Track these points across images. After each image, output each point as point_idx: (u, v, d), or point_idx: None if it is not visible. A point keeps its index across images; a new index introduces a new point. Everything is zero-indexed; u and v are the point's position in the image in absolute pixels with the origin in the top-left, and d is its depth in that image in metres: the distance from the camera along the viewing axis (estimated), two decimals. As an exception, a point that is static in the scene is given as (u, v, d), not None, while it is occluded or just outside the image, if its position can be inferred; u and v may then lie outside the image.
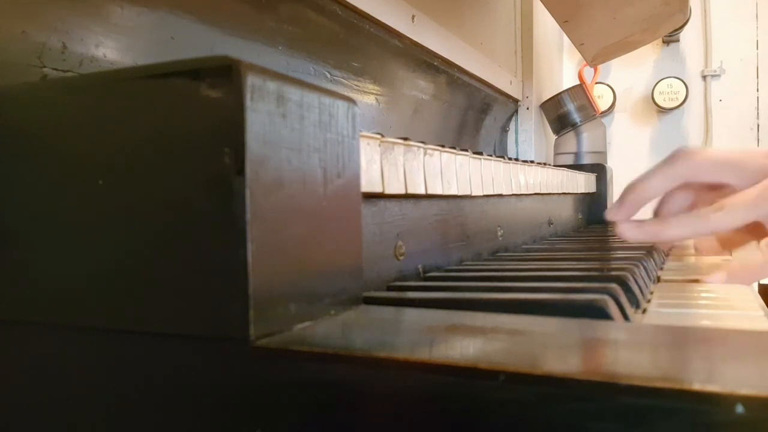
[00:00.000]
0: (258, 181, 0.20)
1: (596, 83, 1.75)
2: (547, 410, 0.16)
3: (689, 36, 1.73)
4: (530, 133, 1.30)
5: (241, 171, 0.20)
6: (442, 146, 0.43)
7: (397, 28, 0.72)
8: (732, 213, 0.45)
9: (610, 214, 0.50)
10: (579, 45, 1.16)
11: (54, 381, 0.24)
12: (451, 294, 0.32)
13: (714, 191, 0.48)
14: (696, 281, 0.45)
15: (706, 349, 0.20)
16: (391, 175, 0.36)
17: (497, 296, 0.29)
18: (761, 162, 0.46)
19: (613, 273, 0.36)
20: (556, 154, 1.40)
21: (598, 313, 0.26)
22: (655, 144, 1.77)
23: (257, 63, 0.20)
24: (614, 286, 0.30)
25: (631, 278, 0.35)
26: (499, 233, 0.59)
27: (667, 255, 0.62)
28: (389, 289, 0.37)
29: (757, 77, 1.68)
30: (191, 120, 0.20)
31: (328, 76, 0.65)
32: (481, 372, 0.17)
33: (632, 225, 0.47)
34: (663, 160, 0.49)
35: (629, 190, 0.49)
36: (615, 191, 1.22)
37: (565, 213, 0.89)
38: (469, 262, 0.50)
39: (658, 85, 1.72)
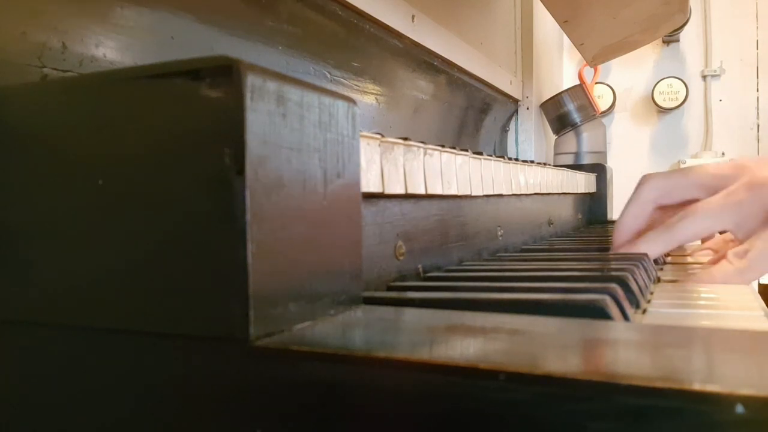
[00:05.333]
0: (258, 181, 0.20)
1: (596, 83, 1.75)
2: (547, 410, 0.16)
3: (689, 36, 1.73)
4: (530, 133, 1.30)
5: (241, 171, 0.20)
6: (442, 146, 0.43)
7: (397, 28, 0.72)
8: (695, 221, 0.46)
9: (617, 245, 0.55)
10: (579, 45, 1.16)
11: (54, 381, 0.24)
12: (451, 294, 0.32)
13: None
14: (676, 281, 0.46)
15: (706, 349, 0.20)
16: (391, 175, 0.36)
17: (497, 296, 0.29)
18: (721, 173, 0.48)
19: (613, 273, 0.36)
20: (556, 154, 1.40)
21: (598, 313, 0.26)
22: (655, 144, 1.77)
23: (257, 63, 0.20)
24: (614, 286, 0.30)
25: (631, 278, 0.35)
26: (499, 233, 0.59)
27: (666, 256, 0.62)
28: (389, 289, 0.37)
29: (757, 77, 1.68)
30: (191, 120, 0.20)
31: (328, 76, 0.65)
32: (481, 372, 0.17)
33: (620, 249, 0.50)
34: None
35: (615, 230, 0.54)
36: (615, 191, 1.22)
37: (565, 213, 0.89)
38: (469, 262, 0.50)
39: (658, 85, 1.72)
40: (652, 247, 0.48)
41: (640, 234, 0.53)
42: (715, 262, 0.52)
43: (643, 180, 0.53)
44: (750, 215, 0.45)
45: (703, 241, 0.62)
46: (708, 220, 0.46)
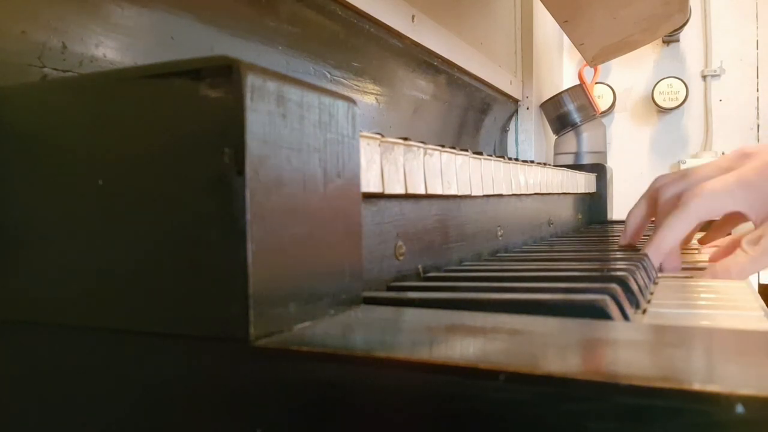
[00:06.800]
0: (258, 181, 0.20)
1: (596, 83, 1.75)
2: (547, 410, 0.16)
3: (689, 36, 1.73)
4: (530, 133, 1.30)
5: (241, 171, 0.20)
6: (442, 146, 0.43)
7: (397, 28, 0.72)
8: (708, 197, 0.46)
9: (621, 243, 0.59)
10: (579, 45, 1.16)
11: (54, 381, 0.24)
12: (451, 294, 0.32)
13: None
14: (690, 277, 0.46)
15: (706, 349, 0.20)
16: (391, 175, 0.36)
17: (497, 296, 0.29)
18: (729, 164, 0.49)
19: (613, 273, 0.36)
20: (556, 154, 1.40)
21: (599, 313, 0.26)
22: (655, 144, 1.77)
23: (257, 63, 0.20)
24: (614, 286, 0.30)
25: (631, 278, 0.35)
26: (499, 233, 0.59)
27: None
28: (389, 289, 0.37)
29: (757, 77, 1.67)
30: (191, 120, 0.20)
31: (328, 76, 0.65)
32: (481, 372, 0.17)
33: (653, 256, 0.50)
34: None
35: (627, 218, 0.58)
36: (615, 191, 1.22)
37: (565, 213, 0.89)
38: (469, 262, 0.50)
39: (658, 85, 1.72)
40: (675, 229, 0.48)
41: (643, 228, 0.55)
42: (717, 258, 0.52)
43: (655, 181, 0.55)
44: (762, 197, 0.45)
45: (709, 241, 0.62)
46: (721, 197, 0.46)
